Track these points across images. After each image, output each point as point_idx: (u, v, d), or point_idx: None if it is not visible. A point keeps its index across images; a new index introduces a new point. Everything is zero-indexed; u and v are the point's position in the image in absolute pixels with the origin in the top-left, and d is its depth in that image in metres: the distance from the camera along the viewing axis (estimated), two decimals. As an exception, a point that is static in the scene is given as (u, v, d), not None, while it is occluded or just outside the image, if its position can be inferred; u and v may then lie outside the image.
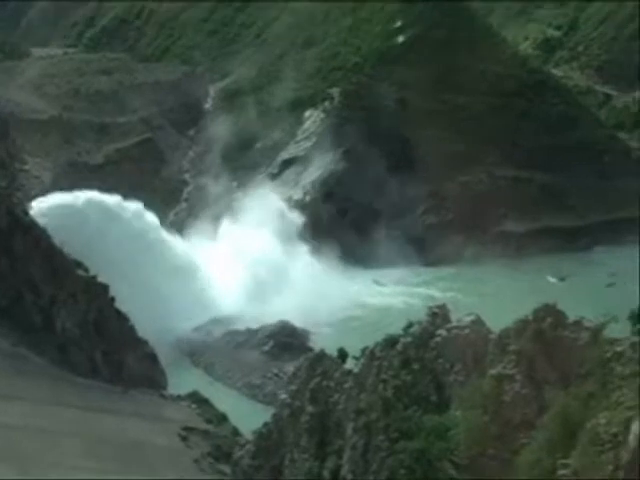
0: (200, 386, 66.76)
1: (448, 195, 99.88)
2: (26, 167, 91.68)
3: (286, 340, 76.09)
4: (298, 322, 79.25)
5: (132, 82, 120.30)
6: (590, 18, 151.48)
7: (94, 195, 78.84)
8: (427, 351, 29.59)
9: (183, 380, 67.76)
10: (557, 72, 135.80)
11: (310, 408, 34.85)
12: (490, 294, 75.80)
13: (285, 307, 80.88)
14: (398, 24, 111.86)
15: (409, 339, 30.55)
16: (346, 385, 33.37)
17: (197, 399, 62.40)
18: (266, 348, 75.12)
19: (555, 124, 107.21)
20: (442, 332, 29.44)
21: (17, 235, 60.98)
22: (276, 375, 71.36)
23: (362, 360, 33.47)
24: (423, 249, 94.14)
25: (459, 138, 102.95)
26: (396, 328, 71.34)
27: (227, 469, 52.91)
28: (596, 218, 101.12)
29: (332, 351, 70.08)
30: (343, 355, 38.13)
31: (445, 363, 28.77)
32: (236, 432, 58.52)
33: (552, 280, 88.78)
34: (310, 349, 75.05)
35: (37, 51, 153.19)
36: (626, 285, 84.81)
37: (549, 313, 24.09)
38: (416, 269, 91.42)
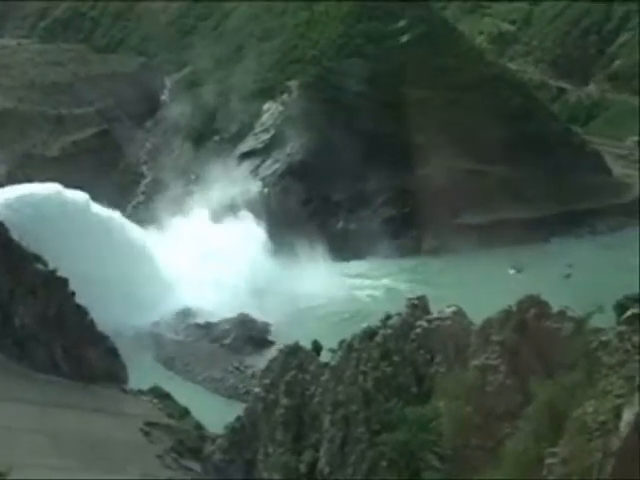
0: (160, 380, 66.16)
1: (406, 188, 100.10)
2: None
3: (246, 333, 75.87)
4: (258, 315, 79.04)
5: (88, 73, 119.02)
6: (544, 13, 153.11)
7: (49, 187, 77.70)
8: (407, 343, 29.55)
9: (143, 374, 66.96)
10: (512, 66, 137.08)
11: (285, 401, 34.64)
12: (452, 286, 76.10)
13: (245, 300, 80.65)
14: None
15: (389, 331, 30.45)
16: (323, 378, 33.16)
17: (158, 394, 61.81)
18: (226, 341, 74.84)
19: (511, 117, 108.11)
20: (422, 323, 29.43)
21: (-27, 229, 59.75)
22: (237, 368, 71.13)
23: (339, 352, 33.28)
24: (382, 242, 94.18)
25: (417, 131, 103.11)
26: (361, 320, 71.68)
27: (191, 464, 52.62)
28: (552, 210, 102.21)
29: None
30: (317, 348, 37.98)
31: (426, 354, 28.78)
32: (199, 426, 58.05)
33: (511, 272, 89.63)
34: (271, 342, 75.31)
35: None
36: (582, 276, 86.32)
37: (533, 304, 24.24)
38: (375, 261, 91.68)
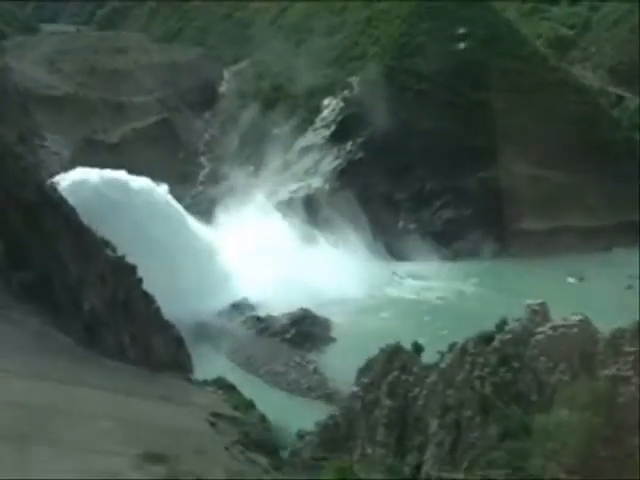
0: (222, 372, 65.88)
1: (467, 190, 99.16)
2: (45, 144, 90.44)
3: (308, 329, 75.40)
4: (318, 310, 78.50)
5: (148, 62, 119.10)
6: (603, 18, 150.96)
7: (116, 174, 77.64)
8: (527, 349, 28.78)
9: (205, 365, 66.69)
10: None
11: (388, 402, 33.94)
12: (516, 291, 74.86)
13: (303, 295, 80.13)
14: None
15: (507, 336, 29.71)
16: (429, 380, 32.48)
17: (223, 385, 61.53)
18: (288, 336, 74.40)
19: (574, 123, 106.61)
20: (546, 330, 28.65)
21: (46, 212, 59.57)
22: (298, 364, 70.68)
23: (450, 355, 32.54)
24: (441, 243, 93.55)
25: (477, 133, 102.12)
26: (438, 323, 71.07)
27: (256, 457, 52.22)
28: (614, 219, 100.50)
29: (357, 341, 70.05)
30: (418, 349, 37.28)
31: (548, 362, 27.97)
32: (264, 419, 57.66)
33: (571, 280, 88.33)
34: (332, 339, 74.91)
35: (47, 27, 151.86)
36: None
37: (671, 315, 23.44)
38: (436, 263, 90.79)
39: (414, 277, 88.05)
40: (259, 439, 54.58)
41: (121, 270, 61.52)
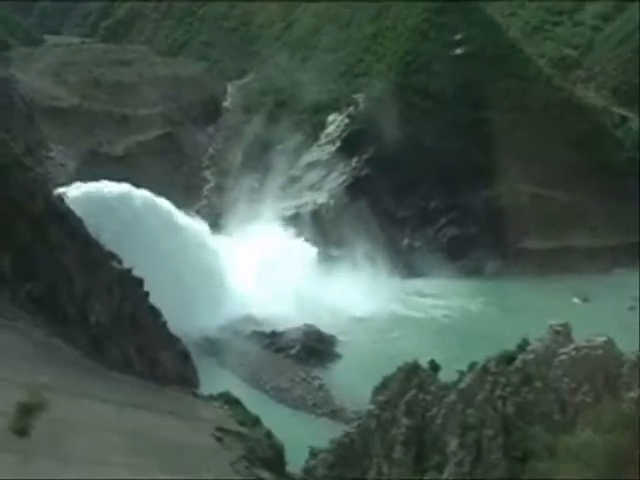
0: (227, 387, 65.60)
1: (471, 208, 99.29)
2: (51, 154, 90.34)
3: (313, 345, 75.22)
4: (323, 327, 78.34)
5: (152, 75, 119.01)
6: (607, 39, 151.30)
7: (123, 187, 77.52)
8: (550, 369, 28.66)
9: (210, 379, 66.43)
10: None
11: (406, 421, 33.68)
12: (521, 310, 75.25)
13: (307, 311, 79.95)
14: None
15: (530, 356, 29.61)
16: (448, 399, 32.30)
17: (229, 400, 61.27)
18: (293, 352, 74.28)
19: (578, 143, 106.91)
20: (569, 351, 28.56)
21: (53, 224, 59.48)
22: (304, 380, 70.53)
23: (470, 375, 32.36)
24: (446, 261, 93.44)
25: (482, 152, 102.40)
26: (435, 341, 70.89)
27: (262, 473, 52.07)
28: (616, 240, 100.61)
29: (362, 358, 69.98)
30: (435, 367, 37.07)
31: (571, 383, 27.84)
32: (269, 435, 57.45)
33: (576, 301, 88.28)
34: (338, 355, 74.76)
35: (51, 39, 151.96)
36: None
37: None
38: (440, 281, 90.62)
39: (420, 295, 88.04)
40: (264, 455, 54.52)
41: (128, 283, 61.45)
